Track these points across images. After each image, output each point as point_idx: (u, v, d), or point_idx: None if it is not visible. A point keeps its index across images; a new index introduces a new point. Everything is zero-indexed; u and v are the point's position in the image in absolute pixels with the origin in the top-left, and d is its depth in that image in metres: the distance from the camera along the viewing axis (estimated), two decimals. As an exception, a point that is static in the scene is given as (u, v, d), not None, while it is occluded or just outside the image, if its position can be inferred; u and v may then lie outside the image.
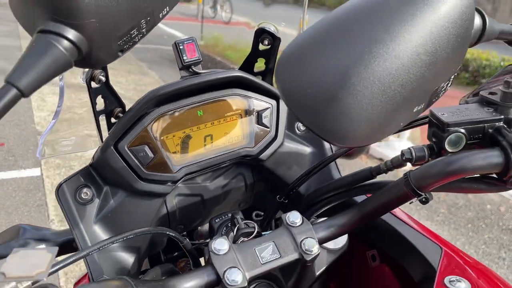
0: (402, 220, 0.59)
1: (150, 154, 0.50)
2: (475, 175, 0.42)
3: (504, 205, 3.01)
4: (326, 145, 0.62)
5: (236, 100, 0.54)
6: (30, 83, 0.32)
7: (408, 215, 0.62)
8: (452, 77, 0.38)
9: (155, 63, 6.04)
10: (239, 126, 0.55)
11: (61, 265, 0.38)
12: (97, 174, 0.52)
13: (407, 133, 3.47)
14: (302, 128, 0.62)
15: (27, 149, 3.00)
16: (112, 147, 0.50)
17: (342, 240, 0.54)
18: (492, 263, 2.33)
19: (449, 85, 0.39)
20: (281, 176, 0.59)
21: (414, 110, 0.36)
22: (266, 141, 0.56)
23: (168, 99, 0.51)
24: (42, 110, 3.73)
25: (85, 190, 0.51)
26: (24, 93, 0.32)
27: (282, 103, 0.57)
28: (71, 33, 0.33)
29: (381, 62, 0.30)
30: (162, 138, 0.51)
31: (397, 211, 0.61)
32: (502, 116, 0.41)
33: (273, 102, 0.57)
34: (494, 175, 0.41)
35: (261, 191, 0.62)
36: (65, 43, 0.33)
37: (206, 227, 0.66)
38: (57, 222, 2.21)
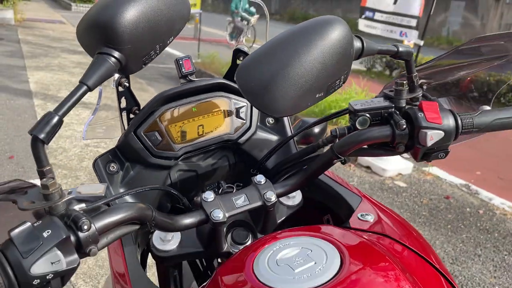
0: (338, 182, 0.78)
1: (159, 138, 0.71)
2: (376, 143, 0.63)
3: (483, 208, 3.21)
4: (287, 133, 0.82)
5: (221, 100, 0.75)
6: (93, 83, 0.52)
7: (342, 179, 0.81)
8: (343, 77, 0.58)
9: (154, 80, 6.28)
10: (223, 118, 0.75)
11: (101, 202, 0.57)
12: (121, 154, 0.72)
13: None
14: (271, 121, 0.82)
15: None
16: (132, 133, 0.70)
17: (297, 200, 0.74)
18: (468, 259, 2.52)
19: (342, 82, 0.59)
20: (255, 157, 0.79)
21: (316, 96, 0.56)
22: (242, 130, 0.76)
23: (171, 99, 0.71)
24: (47, 125, 3.93)
25: (112, 164, 0.71)
26: (90, 89, 0.52)
27: (246, 105, 0.78)
28: (116, 53, 0.54)
29: (293, 68, 0.51)
30: (167, 126, 0.71)
31: (337, 178, 0.81)
32: (393, 105, 0.62)
33: (246, 105, 0.78)
34: (388, 144, 0.62)
35: (241, 169, 0.82)
36: (113, 59, 0.54)
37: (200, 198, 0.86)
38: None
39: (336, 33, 0.53)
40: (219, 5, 25.01)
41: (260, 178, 0.66)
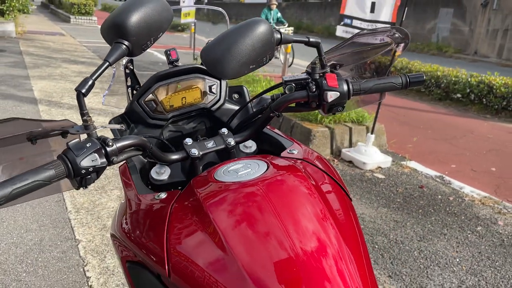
0: (280, 135, 1.07)
1: (154, 105, 1.00)
2: (298, 102, 0.93)
3: (453, 196, 3.51)
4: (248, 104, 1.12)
5: (197, 79, 1.05)
6: (112, 60, 0.82)
7: (285, 134, 1.10)
8: (268, 56, 0.88)
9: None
10: (200, 93, 1.05)
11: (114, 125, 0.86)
12: (127, 117, 1.02)
13: (372, 138, 3.99)
14: (236, 96, 1.12)
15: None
16: (135, 102, 1.00)
17: (253, 149, 1.04)
18: (435, 237, 2.82)
19: (268, 59, 0.89)
20: (224, 121, 1.09)
21: (250, 67, 0.86)
22: (214, 101, 1.06)
23: (162, 78, 1.01)
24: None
25: (121, 124, 1.01)
26: (110, 64, 0.82)
27: (223, 82, 1.08)
28: (126, 42, 0.84)
29: (235, 49, 0.82)
30: (160, 98, 1.01)
31: (280, 132, 1.10)
32: (310, 77, 0.92)
33: (218, 81, 1.07)
34: (306, 103, 0.93)
35: (214, 130, 1.12)
36: (124, 46, 0.84)
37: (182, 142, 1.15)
38: (74, 222, 2.67)
39: (261, 29, 0.83)
40: (214, 15, 25.63)
41: (224, 130, 0.97)
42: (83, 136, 0.76)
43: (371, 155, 3.98)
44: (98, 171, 0.73)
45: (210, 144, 0.94)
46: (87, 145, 0.72)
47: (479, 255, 2.63)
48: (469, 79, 7.17)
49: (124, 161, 0.91)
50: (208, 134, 1.10)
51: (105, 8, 28.74)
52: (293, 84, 0.92)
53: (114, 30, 0.84)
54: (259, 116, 1.01)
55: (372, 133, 4.01)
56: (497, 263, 2.56)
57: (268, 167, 0.80)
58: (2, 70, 6.92)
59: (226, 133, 0.96)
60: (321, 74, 0.92)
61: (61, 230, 2.51)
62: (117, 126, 0.86)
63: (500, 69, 11.56)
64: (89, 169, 0.71)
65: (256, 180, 0.76)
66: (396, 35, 1.11)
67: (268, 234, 0.67)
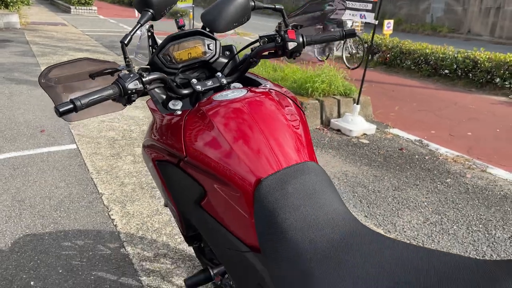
0: (257, 76, 1.47)
1: (169, 59, 1.40)
2: (268, 52, 1.33)
3: (429, 155, 3.93)
4: (236, 58, 1.52)
5: (199, 40, 1.44)
6: (144, 21, 1.23)
7: (263, 77, 1.51)
8: (246, 17, 1.28)
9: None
10: (201, 49, 1.44)
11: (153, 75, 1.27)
12: (150, 67, 1.43)
13: (358, 108, 4.40)
14: (227, 53, 1.52)
15: (62, 133, 3.91)
16: (156, 56, 1.40)
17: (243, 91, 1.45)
18: (408, 187, 3.24)
19: (246, 19, 1.29)
20: (218, 70, 1.49)
21: (234, 24, 1.27)
22: (211, 55, 1.46)
23: (174, 39, 1.41)
24: (67, 107, 4.65)
25: (145, 73, 1.42)
26: (142, 24, 1.23)
27: (217, 42, 1.47)
28: (151, 10, 1.24)
29: (224, 12, 1.23)
30: (172, 53, 1.41)
31: (259, 76, 1.51)
32: (277, 33, 1.33)
33: (213, 41, 1.47)
34: (275, 51, 1.33)
35: (213, 76, 1.52)
36: (149, 13, 1.24)
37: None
38: (96, 180, 3.10)
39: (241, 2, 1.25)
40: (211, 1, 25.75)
41: (219, 74, 1.38)
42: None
43: (357, 124, 4.39)
44: (138, 93, 1.14)
45: (209, 83, 1.35)
46: (131, 75, 1.13)
47: (445, 200, 3.06)
48: (456, 55, 7.54)
49: (152, 94, 1.32)
50: (208, 79, 1.51)
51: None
52: (266, 39, 1.33)
53: (143, 2, 1.25)
54: (242, 64, 1.42)
55: (357, 104, 4.41)
56: (459, 205, 2.99)
57: (247, 92, 1.21)
58: (13, 58, 7.31)
59: (220, 76, 1.37)
60: (285, 31, 1.32)
61: (86, 186, 2.94)
62: (145, 67, 1.27)
63: (492, 47, 11.89)
64: (133, 91, 1.12)
65: (240, 98, 1.17)
66: (337, 4, 1.52)
67: (248, 127, 1.08)
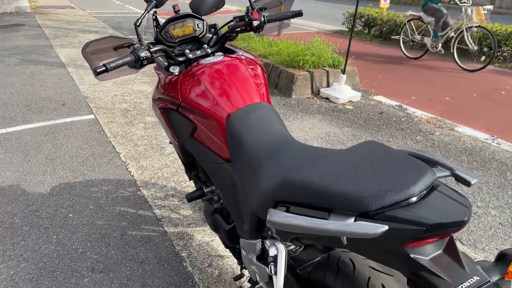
0: (234, 47, 1.96)
1: (169, 35, 1.89)
2: (241, 28, 1.83)
3: (405, 117, 4.41)
4: (219, 33, 2.00)
5: (191, 20, 1.93)
6: (150, 8, 1.72)
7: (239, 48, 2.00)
8: (221, 3, 1.77)
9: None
10: (192, 28, 1.93)
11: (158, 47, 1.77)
12: (155, 42, 1.92)
13: (344, 78, 4.86)
14: (212, 30, 2.01)
15: (81, 106, 4.45)
16: (159, 33, 1.89)
17: (221, 56, 1.95)
18: (382, 144, 3.74)
19: (222, 5, 1.78)
20: (205, 43, 1.98)
21: (212, 10, 1.76)
22: (199, 32, 1.94)
23: (171, 20, 1.90)
24: (84, 84, 5.19)
25: (152, 45, 1.92)
26: (148, 11, 1.72)
27: (204, 22, 1.96)
28: (154, 1, 1.74)
29: (205, 0, 1.72)
30: (171, 31, 1.90)
31: (235, 47, 2.00)
32: (246, 14, 1.82)
33: (201, 21, 1.95)
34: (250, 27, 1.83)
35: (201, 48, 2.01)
36: (153, 3, 1.73)
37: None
38: (114, 142, 3.63)
39: None
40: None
41: (205, 46, 1.88)
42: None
43: (343, 92, 4.86)
44: (147, 59, 1.65)
45: (198, 52, 1.85)
46: (142, 47, 1.63)
47: (396, 144, 3.56)
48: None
49: (157, 61, 1.83)
50: (197, 49, 2.02)
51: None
52: (238, 19, 1.82)
53: None
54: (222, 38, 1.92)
55: (344, 74, 4.88)
56: (423, 157, 3.49)
57: (224, 57, 1.71)
58: (28, 41, 7.83)
59: (206, 47, 1.87)
60: (251, 12, 1.81)
61: (105, 147, 3.49)
62: (152, 41, 1.77)
63: (492, 17, 12.10)
64: (144, 58, 1.63)
65: (219, 61, 1.67)
66: None
67: (223, 80, 1.58)
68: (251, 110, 1.51)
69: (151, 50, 1.65)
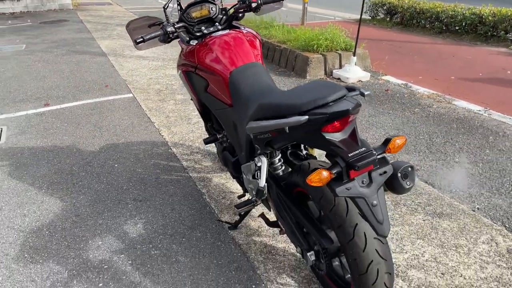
0: (240, 25, 2.51)
1: (191, 17, 2.46)
2: (245, 8, 2.38)
3: (408, 94, 4.84)
4: (228, 13, 2.55)
5: (206, 4, 2.48)
6: None
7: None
8: None
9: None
10: (207, 10, 2.48)
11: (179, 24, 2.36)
12: (179, 21, 2.50)
13: (354, 59, 5.33)
14: (223, 12, 2.56)
15: (121, 87, 5.13)
16: (182, 15, 2.47)
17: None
18: (381, 115, 4.21)
19: None
20: (218, 22, 2.54)
21: None
22: (213, 14, 2.49)
23: (191, 5, 2.47)
24: (123, 70, 5.89)
25: (176, 23, 2.50)
26: None
27: (217, 5, 2.51)
28: None
29: None
30: (191, 12, 2.47)
31: (241, 24, 2.54)
32: None
33: (215, 5, 2.50)
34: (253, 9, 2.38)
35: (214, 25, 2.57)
36: None
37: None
38: (149, 114, 4.28)
39: None
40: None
41: (217, 24, 2.44)
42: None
43: (353, 72, 5.34)
44: (172, 33, 2.23)
45: (211, 29, 2.42)
46: (169, 24, 2.22)
47: (407, 122, 4.03)
48: (464, 12, 8.15)
49: (180, 36, 2.41)
50: (211, 27, 2.58)
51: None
52: (241, 2, 2.37)
53: None
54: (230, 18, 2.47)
55: (354, 56, 5.35)
56: (416, 124, 3.96)
57: (230, 31, 2.27)
58: (72, 35, 8.66)
59: (218, 25, 2.44)
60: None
61: (142, 118, 4.14)
62: (176, 21, 2.35)
63: (501, 2, 12.09)
64: (170, 32, 2.21)
65: (225, 34, 2.23)
66: None
67: (227, 46, 2.15)
68: (247, 67, 2.08)
69: (175, 26, 2.23)
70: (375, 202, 1.44)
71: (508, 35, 7.51)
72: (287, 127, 1.50)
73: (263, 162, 1.84)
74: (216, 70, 2.11)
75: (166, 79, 5.47)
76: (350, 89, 1.54)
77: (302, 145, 2.03)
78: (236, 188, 2.82)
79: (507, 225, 2.46)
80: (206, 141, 2.51)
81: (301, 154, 2.01)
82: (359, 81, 5.34)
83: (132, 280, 2.05)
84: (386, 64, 6.14)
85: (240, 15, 2.46)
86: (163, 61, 6.37)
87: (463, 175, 3.03)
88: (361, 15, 5.24)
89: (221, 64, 2.10)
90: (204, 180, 2.95)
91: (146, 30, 2.35)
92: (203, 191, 2.81)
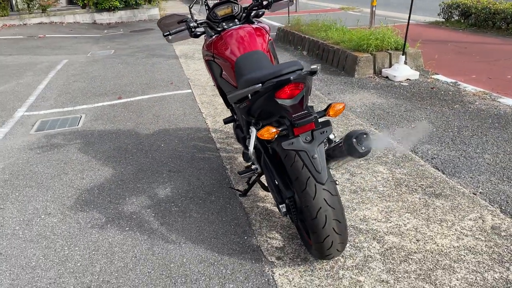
0: (258, 21, 2.89)
1: (215, 15, 2.90)
2: (258, 7, 2.77)
3: (453, 91, 4.84)
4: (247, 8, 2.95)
5: (230, 4, 2.88)
6: None
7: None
8: None
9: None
10: (231, 9, 2.87)
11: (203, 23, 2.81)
12: (207, 19, 2.96)
13: (403, 59, 5.43)
14: (245, 10, 2.96)
15: (183, 84, 5.77)
16: (209, 13, 2.92)
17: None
18: (417, 110, 4.31)
19: None
20: (239, 19, 2.94)
21: None
22: (235, 12, 2.90)
23: (217, 5, 2.90)
24: (189, 70, 6.57)
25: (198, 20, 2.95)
26: None
27: (239, 5, 2.92)
28: None
29: None
30: (216, 12, 2.90)
31: (260, 20, 2.92)
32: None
33: (237, 5, 2.91)
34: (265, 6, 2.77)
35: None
36: None
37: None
38: (201, 106, 4.83)
39: None
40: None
41: (236, 21, 2.85)
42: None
43: (401, 71, 5.43)
44: (193, 28, 2.68)
45: (231, 24, 2.84)
46: (192, 20, 2.68)
47: (441, 117, 4.10)
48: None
49: (206, 30, 2.86)
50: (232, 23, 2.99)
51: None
52: (256, 1, 2.76)
53: None
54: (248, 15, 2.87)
55: (403, 55, 5.44)
56: (449, 119, 4.01)
57: (245, 26, 2.67)
58: (155, 41, 9.66)
59: (237, 21, 2.85)
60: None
61: (194, 109, 4.70)
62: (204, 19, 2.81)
63: None
64: (193, 27, 2.67)
65: (237, 27, 2.64)
66: None
67: (239, 37, 2.55)
68: (251, 54, 2.47)
69: (197, 22, 2.69)
70: (315, 155, 1.76)
71: None
72: (249, 94, 1.87)
73: (252, 132, 2.22)
74: (226, 57, 2.53)
75: (224, 77, 6.00)
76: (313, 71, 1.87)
77: None
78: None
79: (503, 207, 2.55)
80: (225, 121, 2.93)
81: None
82: (407, 79, 5.41)
83: (151, 227, 2.53)
84: (441, 64, 6.09)
85: (260, 12, 2.83)
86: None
87: (477, 164, 3.10)
88: (409, 14, 5.33)
89: (230, 51, 2.51)
90: (230, 158, 3.37)
91: (175, 26, 2.83)
92: (227, 166, 3.23)
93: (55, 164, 3.48)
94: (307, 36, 7.35)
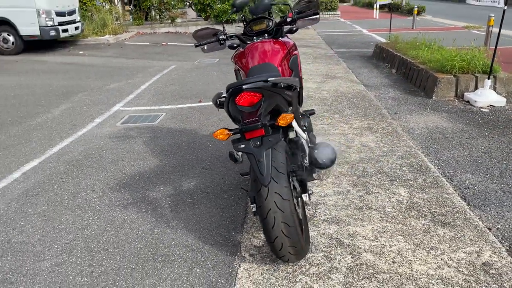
0: (288, 37, 3.04)
1: (250, 29, 3.11)
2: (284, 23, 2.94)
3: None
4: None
5: (264, 20, 3.05)
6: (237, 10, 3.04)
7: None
8: (269, 12, 2.91)
9: (348, 58, 8.66)
10: (265, 24, 3.03)
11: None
12: (243, 34, 3.21)
13: (488, 83, 5.01)
14: (278, 26, 3.14)
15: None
16: (245, 28, 3.17)
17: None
18: (481, 138, 3.99)
19: (270, 12, 2.91)
20: (271, 33, 3.12)
21: (264, 13, 2.93)
22: (269, 27, 3.10)
23: (252, 20, 3.13)
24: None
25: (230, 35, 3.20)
26: (237, 10, 3.04)
27: (273, 21, 3.11)
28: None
29: (259, 5, 2.93)
30: (252, 26, 3.12)
31: (288, 36, 3.06)
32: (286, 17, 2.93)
33: (271, 20, 3.09)
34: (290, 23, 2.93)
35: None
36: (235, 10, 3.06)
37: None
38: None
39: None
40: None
41: (266, 35, 3.05)
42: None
43: (485, 96, 5.01)
44: (225, 41, 2.96)
45: (260, 38, 3.05)
46: (222, 34, 2.97)
47: (504, 148, 3.74)
48: None
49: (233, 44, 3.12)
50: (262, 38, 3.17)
51: (355, 3, 31.50)
52: (282, 17, 2.93)
53: (234, 5, 3.05)
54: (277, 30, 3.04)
55: (488, 79, 5.02)
56: (510, 152, 3.64)
57: (264, 39, 2.87)
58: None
59: (266, 35, 3.05)
60: (288, 13, 2.89)
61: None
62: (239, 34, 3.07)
63: None
64: (222, 39, 2.95)
65: (259, 41, 2.85)
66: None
67: (257, 50, 2.77)
68: (262, 66, 2.67)
69: (226, 35, 2.97)
70: (261, 159, 1.90)
71: None
72: (218, 99, 2.09)
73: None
74: (242, 67, 2.77)
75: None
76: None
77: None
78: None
79: (513, 248, 2.33)
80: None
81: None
82: (490, 105, 4.98)
83: (161, 212, 2.87)
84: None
85: (294, 28, 3.00)
86: (322, 77, 7.11)
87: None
88: (498, 34, 4.93)
89: (246, 62, 2.75)
90: (261, 163, 3.57)
91: (207, 37, 3.14)
92: (254, 170, 3.44)
93: (119, 152, 4.06)
94: (398, 54, 7.15)
